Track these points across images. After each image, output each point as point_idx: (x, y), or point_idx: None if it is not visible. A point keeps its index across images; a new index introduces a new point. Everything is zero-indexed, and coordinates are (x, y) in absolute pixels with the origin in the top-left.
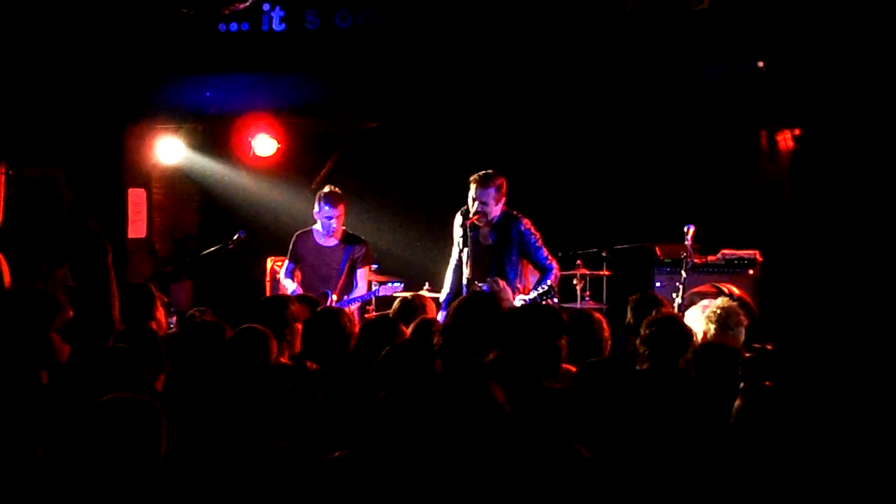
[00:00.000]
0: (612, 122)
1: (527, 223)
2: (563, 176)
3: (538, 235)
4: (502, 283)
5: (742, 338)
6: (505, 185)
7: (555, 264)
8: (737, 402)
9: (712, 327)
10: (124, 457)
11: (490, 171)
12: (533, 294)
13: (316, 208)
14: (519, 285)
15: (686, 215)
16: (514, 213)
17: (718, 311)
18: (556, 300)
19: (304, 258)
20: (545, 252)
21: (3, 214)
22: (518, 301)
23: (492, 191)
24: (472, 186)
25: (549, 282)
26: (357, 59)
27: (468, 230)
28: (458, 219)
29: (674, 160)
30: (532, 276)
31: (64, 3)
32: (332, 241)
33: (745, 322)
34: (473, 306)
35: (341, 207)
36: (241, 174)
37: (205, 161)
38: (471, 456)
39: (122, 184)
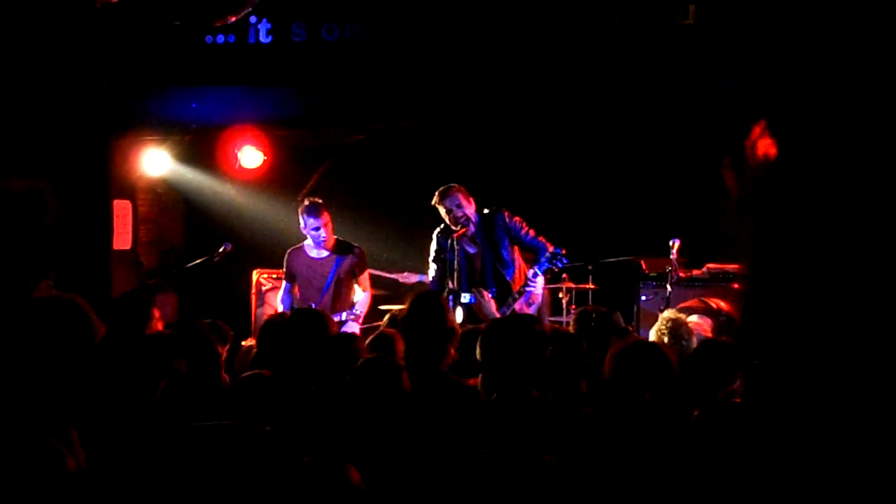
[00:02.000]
0: (598, 136)
1: (506, 212)
2: (549, 189)
3: (520, 219)
4: (487, 295)
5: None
6: (463, 188)
7: (545, 241)
8: (695, 413)
9: (665, 339)
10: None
11: (442, 186)
12: (536, 267)
13: (301, 223)
14: (517, 276)
15: (671, 229)
16: (486, 209)
17: (669, 324)
18: (565, 261)
19: (298, 274)
20: (533, 233)
21: None
22: (530, 273)
23: (458, 196)
24: (440, 208)
25: (548, 251)
26: (344, 72)
27: (455, 244)
28: (437, 234)
29: (659, 174)
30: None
31: (49, 15)
32: (324, 253)
33: (694, 334)
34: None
35: (325, 216)
36: (227, 186)
37: (191, 173)
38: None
39: (108, 195)
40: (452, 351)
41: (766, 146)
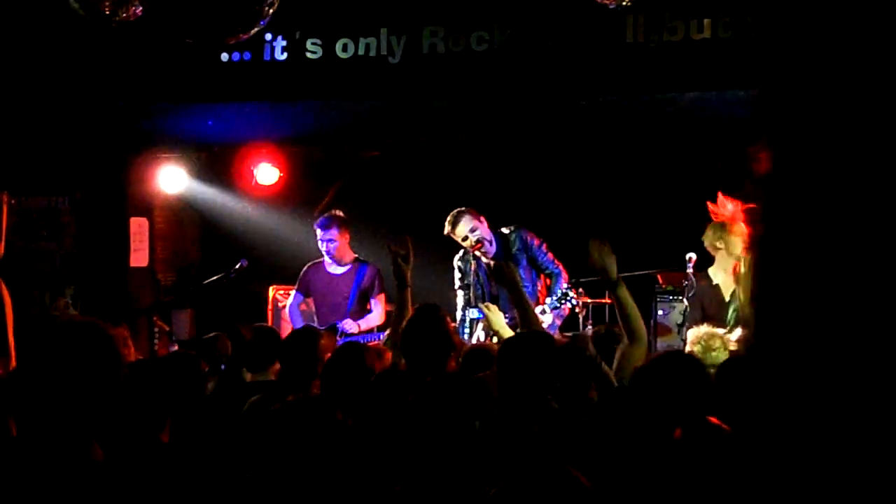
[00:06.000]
0: (615, 151)
1: (529, 232)
2: (565, 204)
3: (541, 240)
4: (494, 308)
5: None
6: (472, 209)
7: (562, 268)
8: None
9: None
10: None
11: (449, 215)
12: (549, 301)
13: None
14: (539, 295)
15: (688, 243)
16: (505, 228)
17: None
18: (574, 301)
19: (314, 289)
20: (550, 256)
21: (6, 243)
22: (538, 310)
23: (469, 219)
24: (454, 237)
25: (562, 286)
26: (358, 89)
27: (472, 259)
28: (458, 262)
29: (676, 188)
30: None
31: (66, 33)
32: (343, 268)
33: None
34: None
35: (334, 231)
36: (243, 203)
37: (207, 190)
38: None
39: (125, 213)
40: (453, 363)
41: (765, 159)
